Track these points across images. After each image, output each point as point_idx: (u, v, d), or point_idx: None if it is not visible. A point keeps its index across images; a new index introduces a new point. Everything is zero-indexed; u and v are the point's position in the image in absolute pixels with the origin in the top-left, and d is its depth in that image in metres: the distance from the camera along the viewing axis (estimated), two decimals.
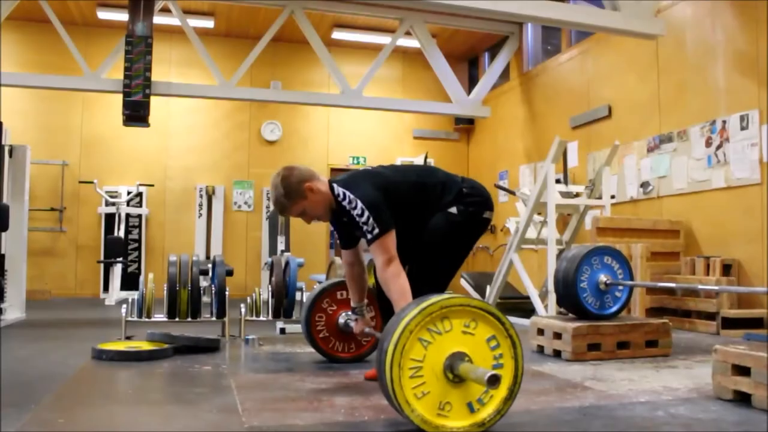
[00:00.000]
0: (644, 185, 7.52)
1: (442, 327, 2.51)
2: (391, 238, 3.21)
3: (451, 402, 2.51)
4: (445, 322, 2.52)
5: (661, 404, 3.01)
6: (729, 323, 5.82)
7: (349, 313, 3.96)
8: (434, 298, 2.51)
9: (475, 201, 3.48)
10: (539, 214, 7.16)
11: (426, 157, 9.99)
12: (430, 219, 3.44)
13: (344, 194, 3.29)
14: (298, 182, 3.33)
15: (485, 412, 2.56)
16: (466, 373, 2.46)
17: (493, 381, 2.34)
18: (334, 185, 3.37)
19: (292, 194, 3.34)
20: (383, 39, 10.30)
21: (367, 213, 3.18)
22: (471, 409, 2.54)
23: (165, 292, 5.13)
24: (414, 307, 2.52)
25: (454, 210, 3.41)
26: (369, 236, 3.20)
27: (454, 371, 2.50)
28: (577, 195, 7.20)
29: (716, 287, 5.39)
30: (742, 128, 6.29)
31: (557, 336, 4.48)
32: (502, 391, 2.57)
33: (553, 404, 3.03)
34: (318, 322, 4.11)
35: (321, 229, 11.36)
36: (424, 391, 2.48)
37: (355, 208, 3.22)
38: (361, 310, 3.75)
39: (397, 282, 3.15)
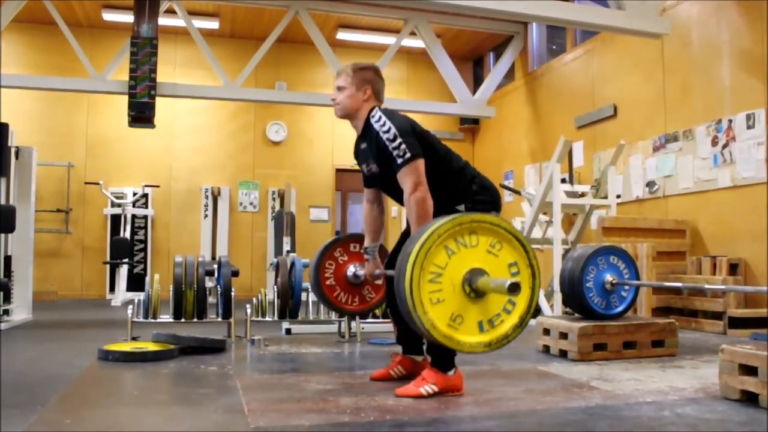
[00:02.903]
0: (650, 185, 7.50)
1: (469, 241, 2.54)
2: (422, 164, 3.20)
3: (463, 316, 2.53)
4: (472, 237, 2.54)
5: (667, 404, 3.00)
6: (736, 323, 5.80)
7: (358, 264, 3.98)
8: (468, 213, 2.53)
9: (483, 200, 3.41)
10: (545, 213, 7.16)
11: None
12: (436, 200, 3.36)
13: (380, 117, 3.31)
14: (369, 81, 3.45)
15: (493, 334, 2.58)
16: (486, 284, 2.49)
17: (514, 288, 2.39)
18: (376, 108, 3.40)
19: (357, 75, 3.45)
20: (388, 39, 10.29)
21: (399, 139, 3.19)
22: (480, 328, 2.56)
23: (171, 292, 5.13)
24: (447, 217, 2.55)
25: (461, 208, 3.33)
26: (399, 161, 3.19)
27: (472, 285, 2.53)
28: (582, 195, 7.19)
29: (723, 287, 5.39)
30: (749, 127, 6.27)
31: (563, 336, 4.48)
32: (513, 318, 2.60)
33: (559, 404, 3.02)
34: (327, 269, 4.08)
35: (326, 230, 11.38)
36: (440, 298, 2.50)
37: (388, 131, 3.23)
38: (374, 251, 3.66)
39: (423, 205, 3.14)
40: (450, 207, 3.27)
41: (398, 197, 3.38)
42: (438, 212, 3.19)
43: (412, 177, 3.17)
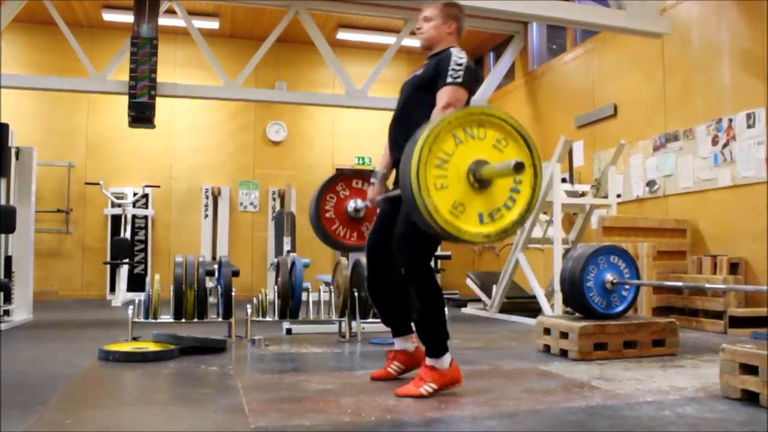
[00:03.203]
0: (650, 184, 7.50)
1: (477, 133, 2.62)
2: (464, 96, 3.26)
3: (465, 206, 2.59)
4: (480, 130, 2.62)
5: (668, 404, 3.00)
6: (736, 322, 5.80)
7: (359, 200, 4.03)
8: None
9: None
10: (545, 213, 7.16)
11: None
12: None
13: (461, 51, 3.37)
14: (455, 17, 3.53)
15: (493, 227, 2.63)
16: (490, 170, 2.56)
17: (519, 167, 2.45)
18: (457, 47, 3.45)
19: (445, 10, 3.53)
20: (388, 39, 10.29)
21: (464, 70, 3.26)
22: (481, 219, 2.60)
23: (171, 293, 5.13)
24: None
25: None
26: (449, 79, 3.24)
27: (476, 175, 2.58)
28: (582, 194, 7.19)
29: (723, 286, 5.39)
30: (749, 126, 6.26)
31: (564, 335, 4.47)
32: (513, 214, 2.65)
33: (560, 404, 3.02)
34: (328, 201, 4.10)
35: None
36: (444, 185, 2.56)
37: (461, 59, 3.30)
38: (382, 176, 3.68)
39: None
40: None
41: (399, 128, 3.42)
42: None
43: (450, 96, 3.21)
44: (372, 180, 3.72)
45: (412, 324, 3.45)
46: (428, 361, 3.20)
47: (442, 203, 2.55)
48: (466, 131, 2.62)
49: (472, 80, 3.31)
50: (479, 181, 2.62)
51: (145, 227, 10.57)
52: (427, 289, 3.21)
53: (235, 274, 5.69)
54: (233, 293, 5.25)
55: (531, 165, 2.72)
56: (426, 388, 3.12)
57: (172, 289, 5.14)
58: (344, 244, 4.15)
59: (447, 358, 3.20)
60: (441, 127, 2.57)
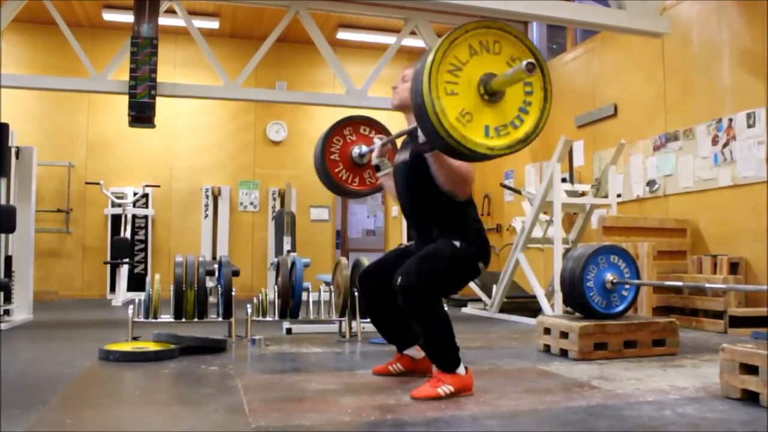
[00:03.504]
0: (650, 184, 7.50)
1: (492, 48, 2.65)
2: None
3: (473, 116, 2.60)
4: (496, 45, 2.66)
5: (668, 404, 3.00)
6: (736, 322, 5.80)
7: (364, 146, 4.06)
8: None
9: (475, 246, 3.37)
10: (545, 213, 7.15)
11: None
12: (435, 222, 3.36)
13: None
14: None
15: (498, 142, 2.65)
16: (502, 78, 2.58)
17: (531, 67, 2.45)
18: None
19: None
20: (388, 39, 10.28)
21: None
22: (486, 132, 2.64)
23: (171, 292, 5.13)
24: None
25: (458, 244, 3.26)
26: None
27: (487, 87, 2.60)
28: (583, 194, 7.19)
29: (723, 286, 5.39)
30: (749, 126, 6.26)
31: (564, 335, 4.47)
32: (519, 133, 2.68)
33: (560, 404, 3.02)
34: (334, 144, 4.13)
35: (326, 230, 11.38)
36: (454, 91, 2.58)
37: None
38: (388, 140, 3.71)
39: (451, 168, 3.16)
40: (448, 240, 3.27)
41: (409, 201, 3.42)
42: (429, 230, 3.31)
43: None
44: (376, 138, 3.78)
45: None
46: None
47: (450, 108, 2.55)
48: (482, 44, 2.64)
49: None
50: (490, 93, 2.63)
51: (146, 227, 10.56)
52: (429, 313, 3.12)
53: (235, 273, 5.69)
54: (233, 293, 5.24)
55: (542, 88, 2.74)
56: (444, 389, 3.07)
57: (172, 288, 5.13)
58: (345, 188, 4.14)
59: (461, 369, 3.16)
60: (458, 34, 2.59)
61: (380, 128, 4.13)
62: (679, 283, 5.15)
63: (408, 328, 3.39)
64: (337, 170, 4.12)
